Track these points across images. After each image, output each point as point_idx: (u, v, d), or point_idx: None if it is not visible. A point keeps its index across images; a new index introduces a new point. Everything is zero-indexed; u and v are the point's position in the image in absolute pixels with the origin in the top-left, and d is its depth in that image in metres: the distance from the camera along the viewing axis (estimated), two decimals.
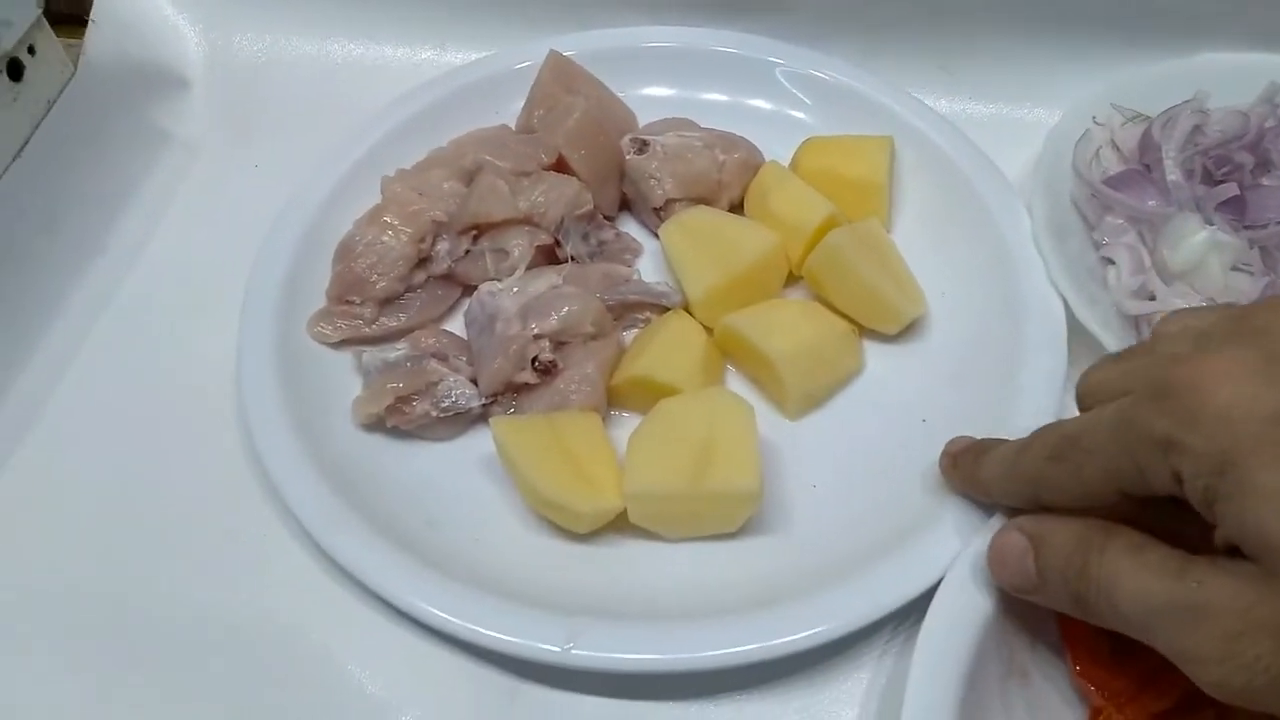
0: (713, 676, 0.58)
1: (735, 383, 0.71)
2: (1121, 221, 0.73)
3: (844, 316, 0.71)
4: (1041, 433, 0.50)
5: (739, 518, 0.61)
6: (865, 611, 0.56)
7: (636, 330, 0.73)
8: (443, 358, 0.69)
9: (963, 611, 0.53)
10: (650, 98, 0.86)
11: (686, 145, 0.77)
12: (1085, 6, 0.82)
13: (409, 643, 0.60)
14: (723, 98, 0.87)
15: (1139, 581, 0.42)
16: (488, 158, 0.74)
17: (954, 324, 0.72)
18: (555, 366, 0.67)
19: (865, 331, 0.72)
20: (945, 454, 0.58)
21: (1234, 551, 0.40)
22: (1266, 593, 0.38)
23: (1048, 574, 0.47)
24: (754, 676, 0.58)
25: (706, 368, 0.67)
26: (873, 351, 0.72)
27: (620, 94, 0.85)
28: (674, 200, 0.76)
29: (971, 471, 0.55)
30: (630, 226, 0.80)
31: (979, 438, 0.58)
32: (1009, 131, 0.81)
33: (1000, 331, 0.68)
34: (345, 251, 0.72)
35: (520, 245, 0.72)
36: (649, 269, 0.77)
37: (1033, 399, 0.64)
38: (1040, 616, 0.54)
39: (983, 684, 0.53)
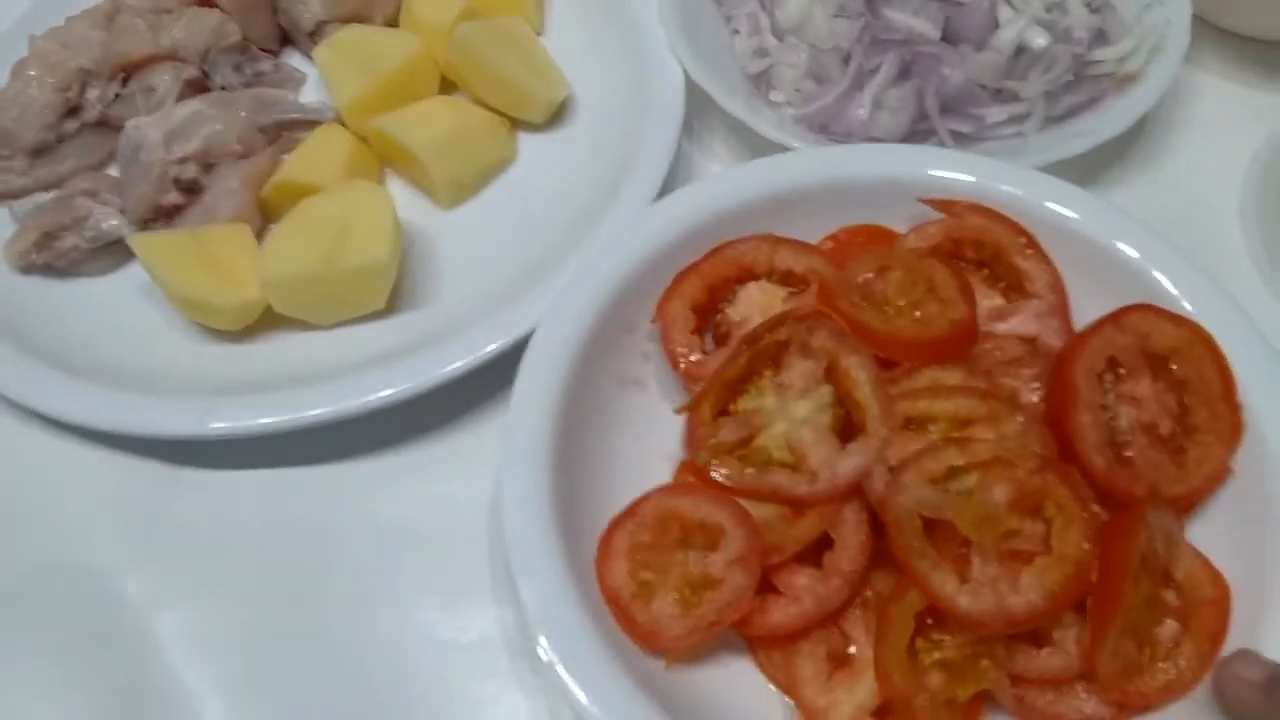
0: (357, 428, 0.60)
1: (395, 184, 0.73)
2: None
3: (491, 110, 0.73)
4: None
5: (380, 291, 0.63)
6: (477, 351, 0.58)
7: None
8: (93, 195, 0.69)
9: (569, 327, 0.56)
10: None
11: None
12: None
13: (74, 451, 0.61)
14: None
15: None
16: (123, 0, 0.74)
17: (596, 105, 0.75)
18: (199, 184, 0.68)
19: (517, 124, 0.74)
20: (1245, 681, 0.44)
21: None
22: None
23: None
24: (401, 422, 0.61)
25: (353, 169, 0.69)
26: (526, 141, 0.74)
27: None
28: (325, 22, 0.76)
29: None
30: (295, 60, 0.80)
31: (1273, 663, 0.45)
32: None
33: (632, 103, 0.71)
34: None
35: (165, 81, 0.72)
36: (314, 97, 0.77)
37: (653, 151, 0.67)
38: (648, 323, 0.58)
39: (596, 388, 0.56)
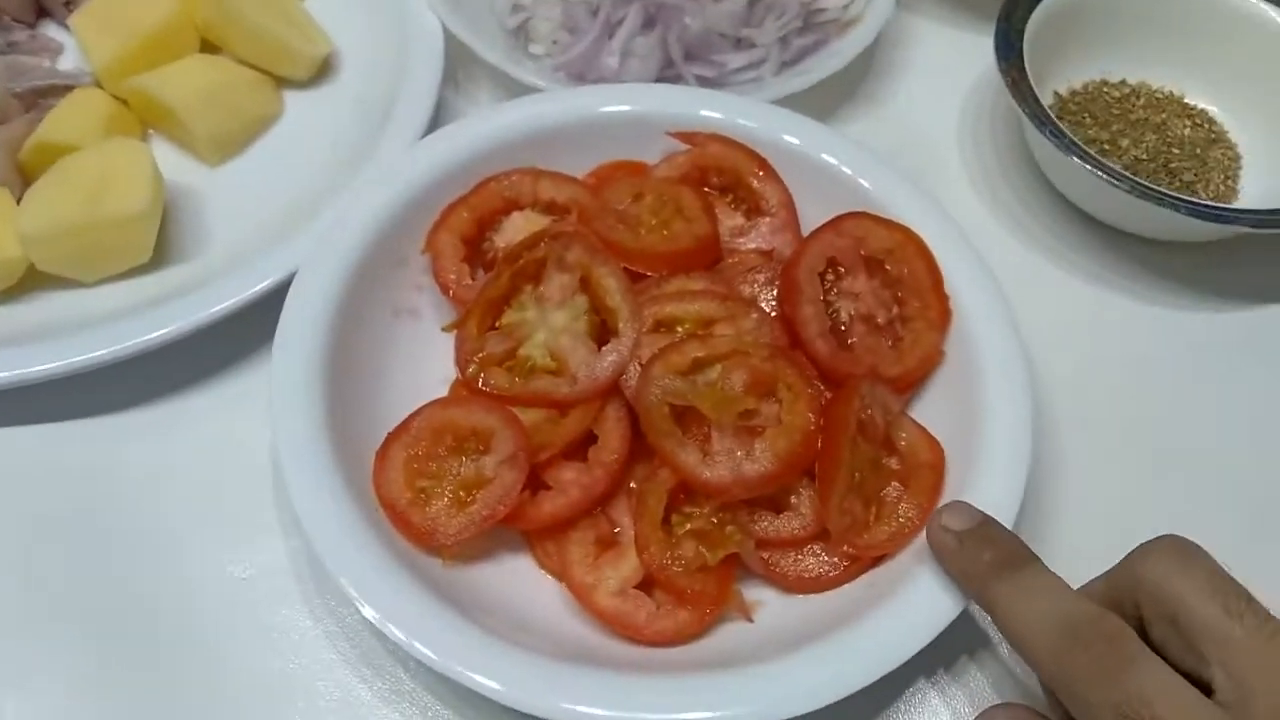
0: (132, 376, 0.60)
1: (159, 145, 0.72)
2: None
3: (255, 69, 0.73)
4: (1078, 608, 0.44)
5: (143, 241, 0.63)
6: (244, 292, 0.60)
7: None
8: None
9: (335, 262, 0.58)
10: None
11: None
12: None
13: None
14: None
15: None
16: None
17: (359, 60, 0.76)
18: None
19: (282, 81, 0.75)
20: (945, 528, 0.49)
21: None
22: None
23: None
24: (175, 369, 0.61)
25: (111, 129, 0.68)
26: (292, 98, 0.75)
27: None
28: None
29: (988, 580, 0.46)
30: (53, 30, 0.78)
31: (978, 511, 0.49)
32: None
33: (390, 58, 0.73)
34: None
35: None
36: (72, 66, 0.76)
37: (414, 99, 0.69)
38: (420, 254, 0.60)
39: (369, 319, 0.58)
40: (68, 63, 0.76)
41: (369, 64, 0.75)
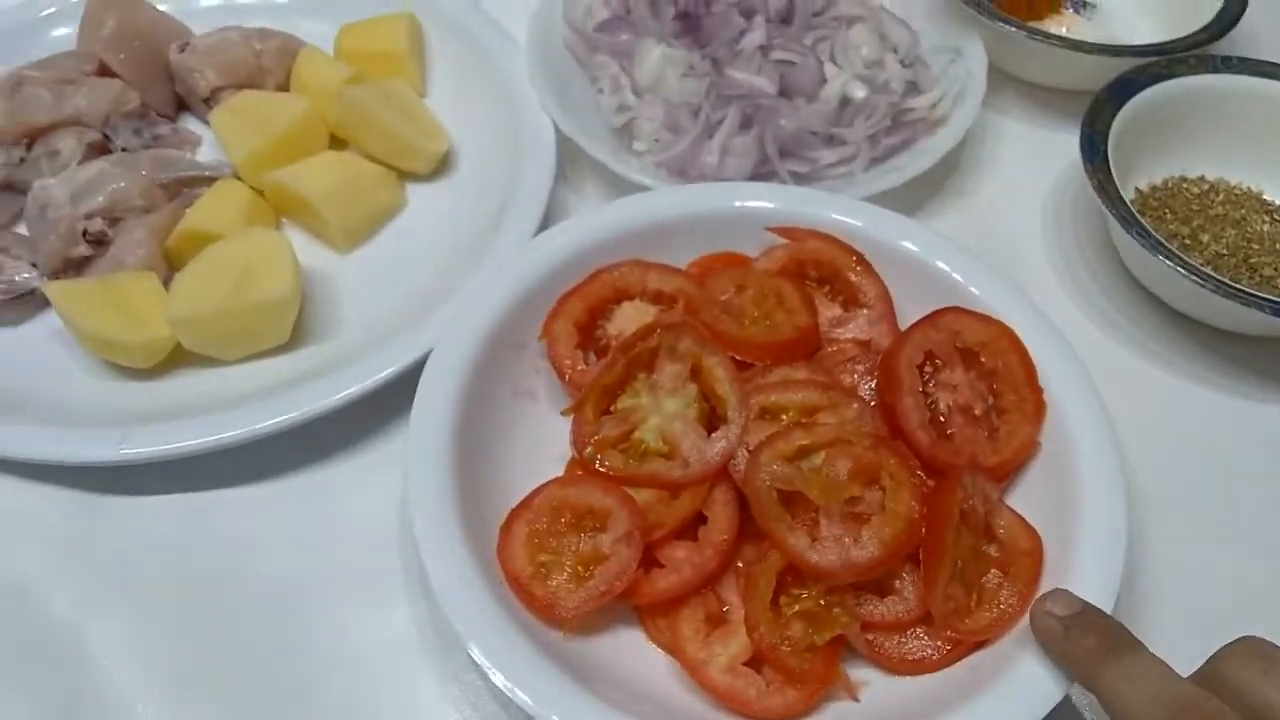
0: (268, 451, 0.63)
1: (293, 233, 0.77)
2: (605, 57, 0.84)
3: (380, 163, 0.78)
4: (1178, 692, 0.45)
5: (283, 325, 0.67)
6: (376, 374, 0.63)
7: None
8: (4, 250, 0.71)
9: (464, 344, 0.61)
10: (204, 10, 0.90)
11: (224, 40, 0.82)
12: None
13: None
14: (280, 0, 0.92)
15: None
16: (27, 71, 0.77)
17: (476, 156, 0.81)
18: (106, 236, 0.71)
19: (405, 175, 0.79)
20: (1050, 613, 0.50)
21: None
22: None
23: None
24: (309, 445, 0.65)
25: (251, 218, 0.73)
26: (414, 191, 0.80)
27: (178, 14, 0.89)
28: (219, 88, 0.81)
29: (1094, 665, 0.47)
30: (192, 124, 0.84)
31: (1080, 599, 0.51)
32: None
33: (506, 155, 0.78)
34: None
35: (69, 144, 0.75)
36: (211, 156, 0.81)
37: (530, 194, 0.74)
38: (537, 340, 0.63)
39: (492, 400, 0.61)
40: (206, 155, 0.82)
41: (486, 160, 0.80)
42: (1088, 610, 0.50)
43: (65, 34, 0.85)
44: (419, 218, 0.78)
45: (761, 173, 0.78)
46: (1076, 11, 0.94)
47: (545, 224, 0.72)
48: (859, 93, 0.79)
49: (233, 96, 0.80)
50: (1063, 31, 0.92)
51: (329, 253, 0.76)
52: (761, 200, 0.70)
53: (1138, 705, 0.45)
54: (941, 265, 0.66)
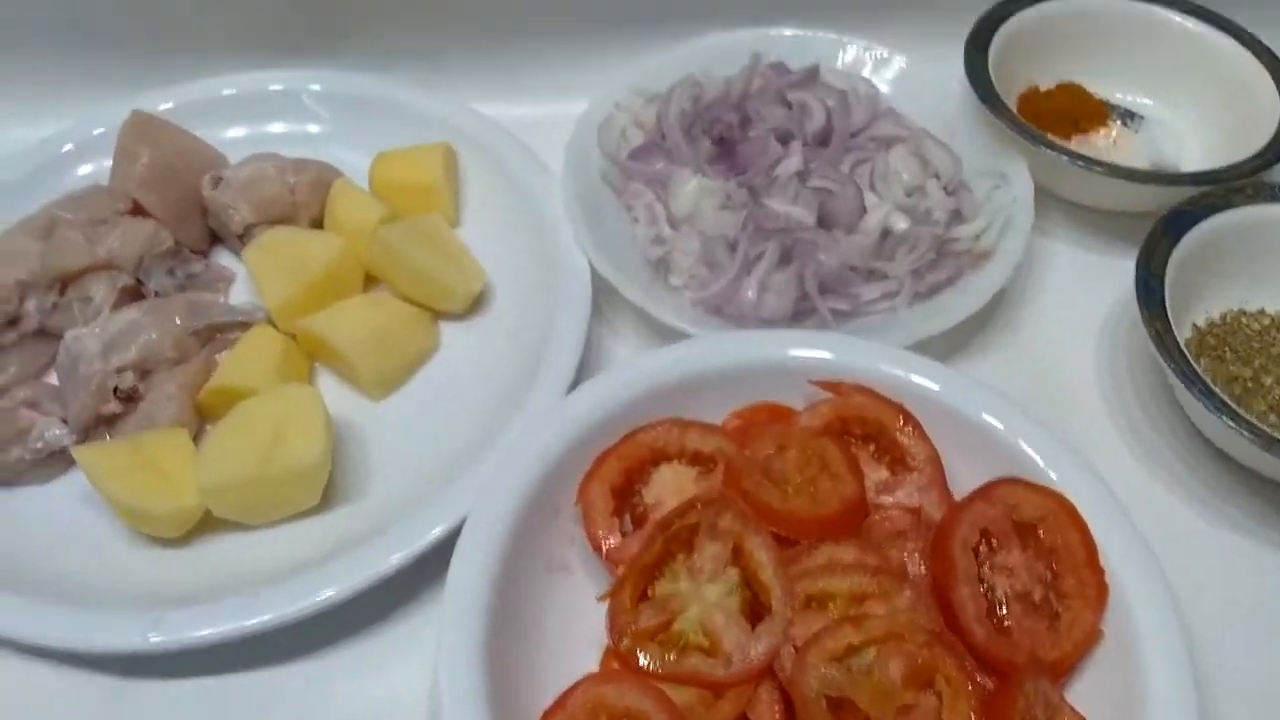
0: (298, 627, 0.60)
1: (325, 378, 0.74)
2: (641, 185, 0.81)
3: (414, 303, 0.76)
4: None
5: (314, 491, 0.64)
6: (410, 546, 0.60)
7: (229, 351, 0.74)
8: (34, 405, 0.69)
9: (498, 515, 0.58)
10: (238, 139, 0.88)
11: (259, 174, 0.80)
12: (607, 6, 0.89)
13: (19, 665, 0.61)
14: (315, 129, 0.90)
15: None
16: (59, 213, 0.75)
17: (512, 293, 0.78)
18: (137, 392, 0.69)
19: (439, 313, 0.77)
20: None
21: None
22: None
23: None
24: (339, 616, 0.61)
25: (284, 370, 0.70)
26: (448, 330, 0.77)
27: (212, 139, 0.87)
28: (253, 225, 0.78)
29: None
30: (225, 257, 0.82)
31: None
32: (557, 126, 0.86)
33: (544, 291, 0.75)
34: None
35: (101, 290, 0.73)
36: (244, 294, 0.79)
37: (565, 340, 0.70)
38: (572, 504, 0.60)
39: (526, 576, 0.58)
40: (240, 290, 0.79)
41: (521, 296, 0.77)
42: None
43: (88, 171, 0.84)
44: (453, 361, 0.75)
45: (802, 309, 0.75)
46: (1124, 124, 0.90)
47: (582, 366, 0.69)
48: (901, 224, 0.76)
49: (266, 233, 0.77)
50: (1110, 145, 0.88)
51: (361, 399, 0.73)
52: (804, 349, 0.66)
53: None
54: (991, 421, 0.62)
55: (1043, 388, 0.72)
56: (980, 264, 0.75)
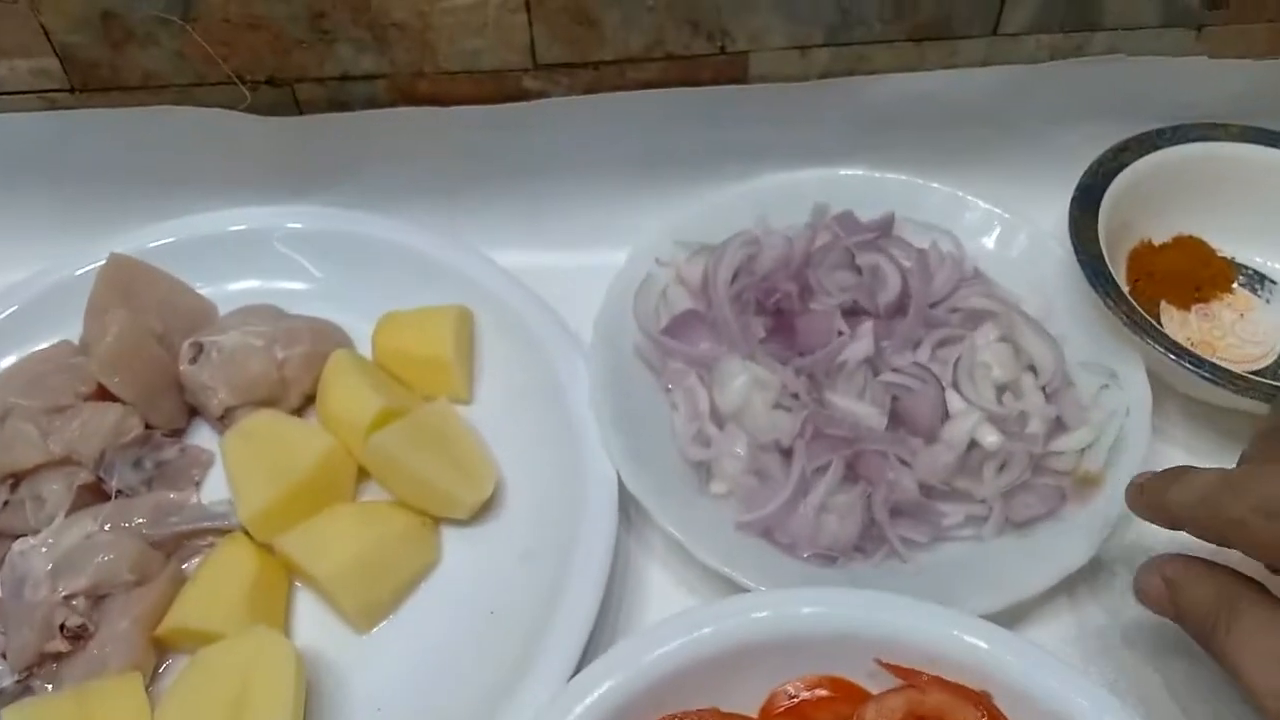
0: None
1: (304, 600, 0.65)
2: (683, 365, 0.71)
3: (414, 509, 0.66)
4: (1258, 481, 0.45)
5: None
6: None
7: (201, 558, 0.66)
8: None
9: None
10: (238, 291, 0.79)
11: (244, 345, 0.70)
12: (651, 143, 0.79)
13: None
14: (317, 274, 0.80)
15: (1259, 672, 0.43)
16: (14, 400, 0.66)
17: (525, 499, 0.68)
18: (86, 630, 0.60)
19: (442, 518, 0.67)
20: (1132, 484, 0.53)
21: None
22: None
23: (1184, 622, 0.48)
24: None
25: (255, 599, 0.61)
26: (451, 538, 0.67)
27: (204, 288, 0.78)
28: (234, 408, 0.69)
29: (1159, 497, 0.50)
30: (204, 433, 0.73)
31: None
32: (587, 279, 0.76)
33: (564, 504, 0.65)
34: None
35: (56, 490, 0.65)
36: (222, 482, 0.70)
37: (585, 576, 0.60)
38: None
39: None
40: (217, 475, 0.70)
41: (536, 503, 0.67)
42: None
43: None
44: (455, 577, 0.65)
45: (869, 535, 0.64)
46: (1253, 291, 0.77)
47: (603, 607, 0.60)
48: (990, 438, 0.64)
49: (248, 417, 0.68)
50: (1237, 318, 0.76)
51: (344, 628, 0.63)
52: (871, 615, 0.55)
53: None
54: None
55: (1167, 667, 0.60)
56: (1085, 494, 0.64)
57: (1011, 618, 0.60)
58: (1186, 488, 0.49)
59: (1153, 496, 0.51)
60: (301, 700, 0.56)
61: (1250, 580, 0.47)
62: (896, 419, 0.66)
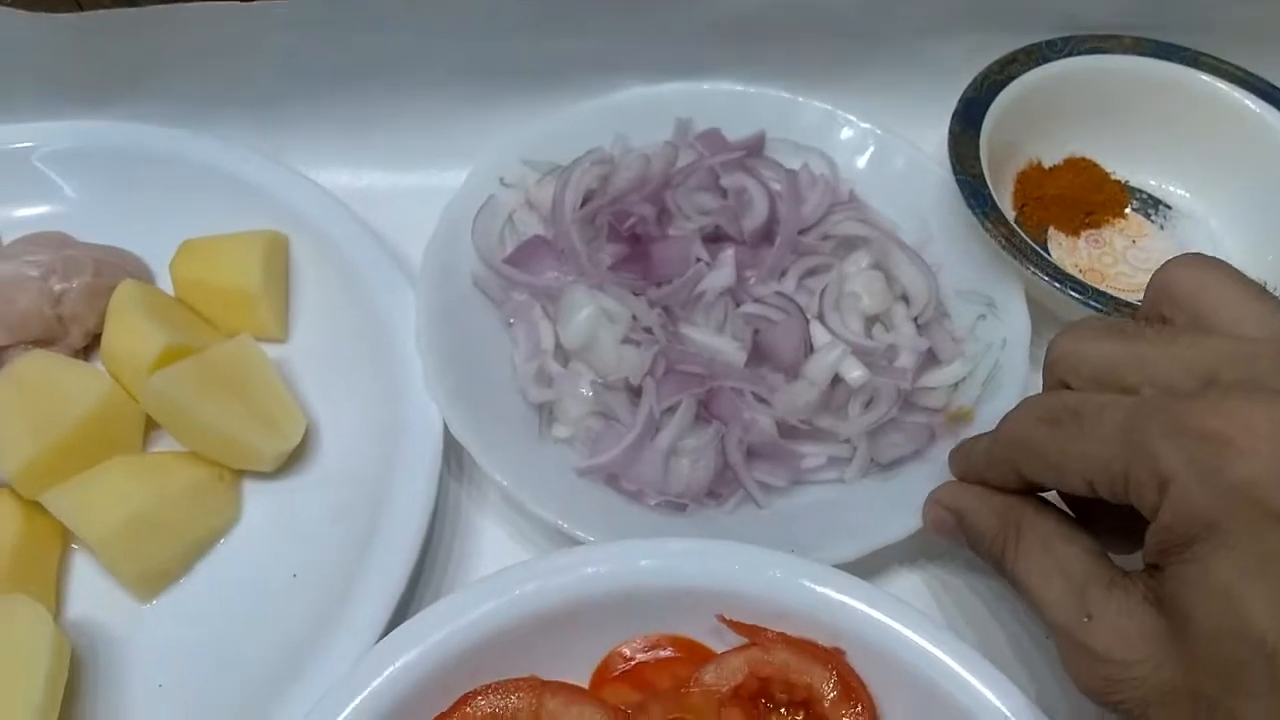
0: None
1: (82, 562, 0.58)
2: (526, 298, 0.65)
3: (209, 461, 0.60)
4: (1038, 397, 0.45)
5: None
6: None
7: None
8: None
9: None
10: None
11: (18, 280, 0.63)
12: (485, 50, 0.73)
13: None
14: (114, 199, 0.73)
15: (1043, 589, 0.43)
16: None
17: (339, 450, 0.62)
18: None
19: (243, 472, 0.61)
20: (951, 453, 0.53)
21: (1153, 570, 0.39)
22: (1162, 657, 0.37)
23: (976, 550, 0.48)
24: None
25: (17, 569, 0.55)
26: (253, 493, 0.61)
27: None
28: (4, 348, 0.62)
29: (966, 452, 0.51)
30: None
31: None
32: (421, 203, 0.69)
33: (381, 454, 0.59)
34: None
35: None
36: None
37: (397, 534, 0.55)
38: None
39: None
40: None
41: (351, 453, 0.62)
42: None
43: None
44: (255, 539, 0.60)
45: (724, 479, 0.59)
46: (1147, 217, 0.75)
47: (420, 565, 0.55)
48: (855, 372, 0.60)
49: (19, 359, 0.61)
50: (1129, 245, 0.73)
51: (125, 595, 0.57)
52: (715, 569, 0.51)
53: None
54: (967, 682, 0.47)
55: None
56: (956, 430, 0.60)
57: (870, 568, 0.56)
58: (983, 436, 0.50)
59: (959, 457, 0.52)
60: (61, 679, 0.50)
61: (1029, 497, 0.47)
62: (758, 354, 0.62)
